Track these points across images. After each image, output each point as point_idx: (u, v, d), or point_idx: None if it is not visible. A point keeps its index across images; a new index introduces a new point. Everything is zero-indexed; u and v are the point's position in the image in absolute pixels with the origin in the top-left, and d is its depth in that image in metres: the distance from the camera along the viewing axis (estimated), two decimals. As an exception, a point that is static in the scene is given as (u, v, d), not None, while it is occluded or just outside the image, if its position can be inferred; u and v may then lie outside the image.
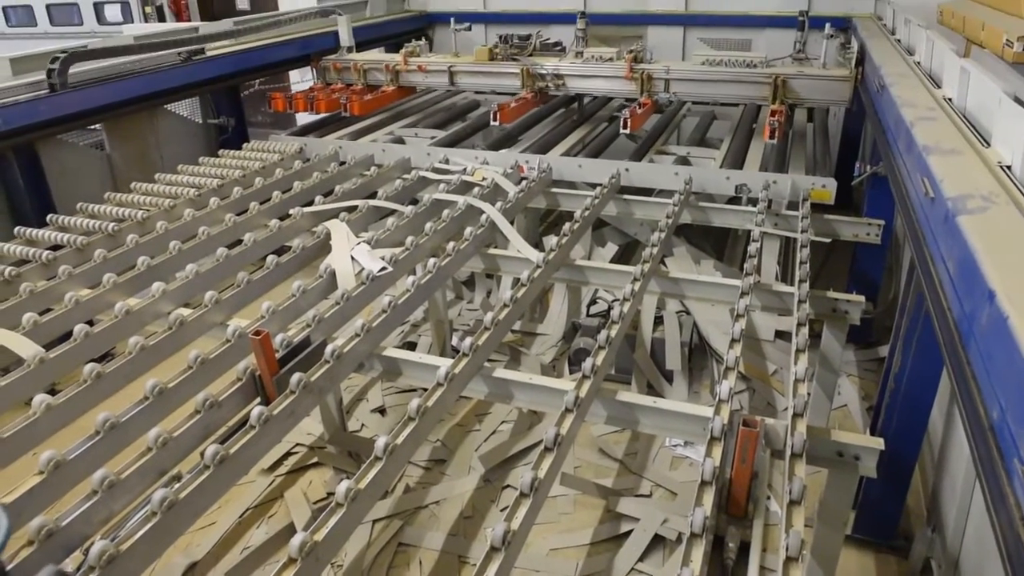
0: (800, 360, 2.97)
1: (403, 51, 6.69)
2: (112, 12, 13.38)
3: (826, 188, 4.91)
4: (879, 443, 2.76)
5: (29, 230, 4.21)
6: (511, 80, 6.24)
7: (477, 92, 7.53)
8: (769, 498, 3.65)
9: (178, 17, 12.86)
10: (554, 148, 5.86)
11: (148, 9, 12.97)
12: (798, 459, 2.45)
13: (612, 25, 8.32)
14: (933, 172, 2.33)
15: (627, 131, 5.47)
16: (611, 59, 6.08)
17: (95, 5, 13.47)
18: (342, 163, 5.61)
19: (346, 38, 7.18)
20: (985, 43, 3.57)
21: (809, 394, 2.81)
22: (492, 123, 5.79)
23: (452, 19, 7.19)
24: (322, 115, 6.73)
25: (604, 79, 6.03)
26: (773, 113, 5.37)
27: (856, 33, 6.44)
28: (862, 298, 3.91)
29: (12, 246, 4.01)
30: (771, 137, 5.15)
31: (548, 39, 6.65)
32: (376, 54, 7.36)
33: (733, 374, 2.91)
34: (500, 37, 6.37)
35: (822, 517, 3.05)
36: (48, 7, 13.92)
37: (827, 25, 5.65)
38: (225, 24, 6.79)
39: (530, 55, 6.41)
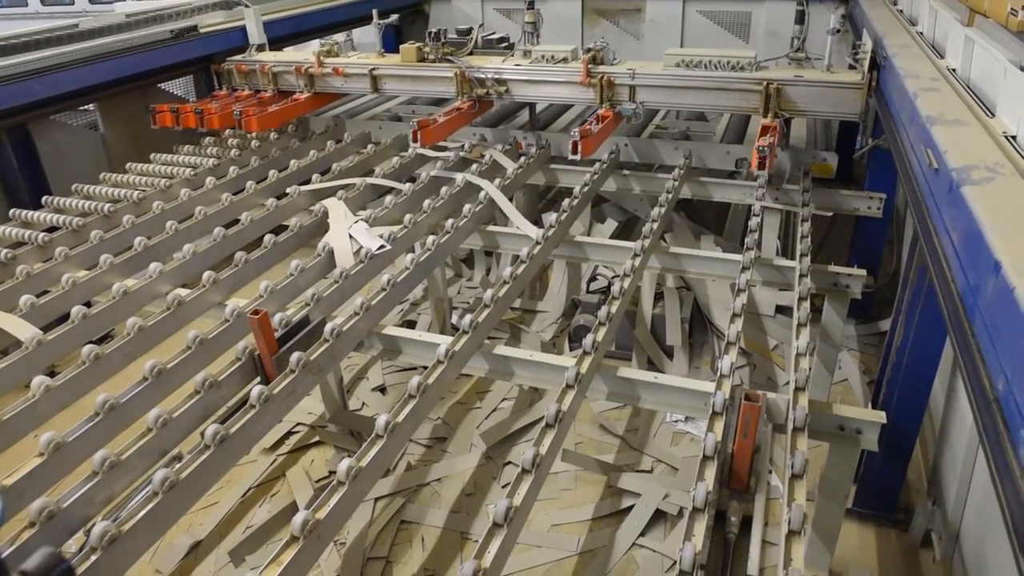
0: (801, 334, 2.96)
1: (317, 50, 5.65)
2: (104, -9, 13.23)
3: (827, 162, 4.88)
4: (881, 416, 2.76)
5: (24, 212, 4.19)
6: (444, 86, 5.24)
7: (407, 103, 6.58)
8: (771, 472, 3.67)
9: (171, -5, 12.70)
10: (552, 124, 5.80)
11: (139, -13, 12.81)
12: (800, 433, 2.45)
13: (610, -2, 8.20)
14: (937, 143, 2.30)
15: (577, 157, 4.33)
16: (565, 59, 5.03)
17: (86, -16, 13.31)
18: (339, 141, 5.56)
19: (255, 34, 6.02)
20: (989, 12, 3.51)
21: (810, 368, 2.81)
22: (412, 144, 4.76)
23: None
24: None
25: (556, 85, 4.97)
26: (764, 131, 4.24)
27: (859, 5, 6.32)
28: (863, 272, 3.90)
29: (7, 228, 3.99)
30: (760, 167, 3.98)
31: (493, 33, 5.63)
32: (289, 53, 6.13)
33: (734, 349, 2.90)
34: (430, 34, 5.31)
35: (823, 491, 3.06)
36: (39, -13, 13.74)
37: (832, 17, 4.50)
38: (115, 17, 5.84)
39: (470, 54, 5.39)
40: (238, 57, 5.90)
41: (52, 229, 4.00)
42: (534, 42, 5.43)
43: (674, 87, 4.66)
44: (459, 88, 5.13)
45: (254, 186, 4.55)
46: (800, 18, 4.91)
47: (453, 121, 5.00)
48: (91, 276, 3.47)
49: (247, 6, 6.10)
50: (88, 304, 3.22)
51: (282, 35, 6.61)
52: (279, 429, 4.65)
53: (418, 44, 5.33)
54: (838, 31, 4.38)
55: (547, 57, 5.04)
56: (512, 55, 5.28)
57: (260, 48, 6.03)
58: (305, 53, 6.06)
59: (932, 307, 3.14)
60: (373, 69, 5.36)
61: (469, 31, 5.43)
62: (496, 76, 5.04)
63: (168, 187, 4.48)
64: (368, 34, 9.14)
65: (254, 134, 5.28)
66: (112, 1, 12.47)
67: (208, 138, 5.40)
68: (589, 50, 4.86)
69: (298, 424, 4.74)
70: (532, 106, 5.74)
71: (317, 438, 4.66)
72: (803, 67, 4.65)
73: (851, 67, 4.50)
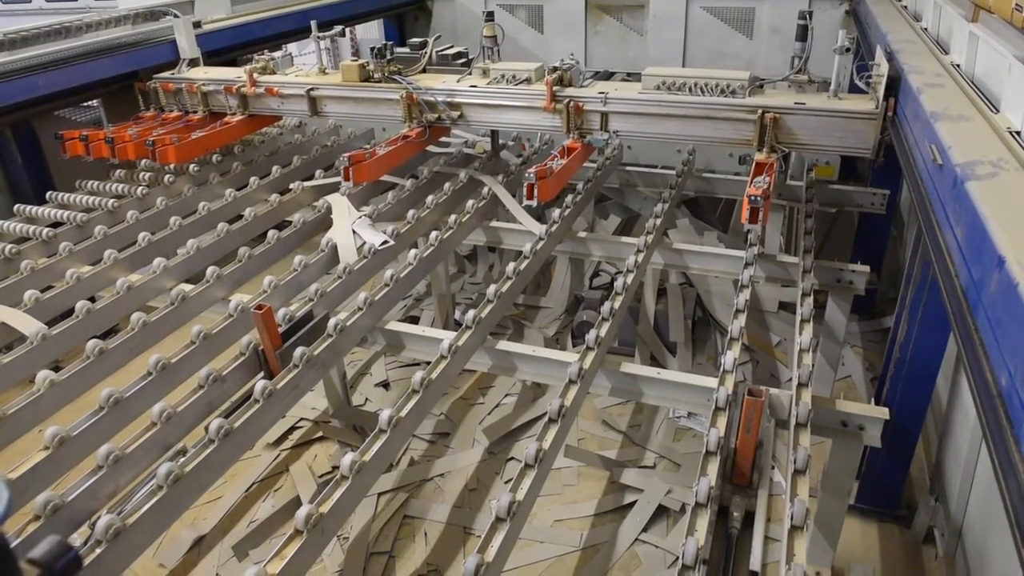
0: (804, 331, 2.96)
1: (249, 67, 4.89)
2: (107, -14, 13.24)
3: (829, 164, 4.84)
4: (884, 413, 2.76)
5: (29, 207, 4.20)
6: (390, 109, 4.49)
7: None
8: (773, 468, 3.67)
9: (174, -10, 12.70)
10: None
11: (143, -17, 12.81)
12: (803, 429, 2.46)
13: (613, -6, 8.17)
14: (941, 138, 2.29)
15: (532, 203, 3.74)
16: (528, 80, 4.28)
17: (90, -21, 13.32)
18: (342, 136, 5.55)
19: (186, 48, 5.27)
20: (994, 8, 3.50)
21: (813, 364, 2.81)
22: (343, 183, 4.07)
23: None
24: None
25: (516, 110, 4.26)
26: (759, 169, 3.58)
27: (862, 1, 6.29)
28: (867, 268, 3.90)
29: (12, 223, 4.00)
30: (752, 220, 3.29)
31: (450, 47, 4.86)
32: (220, 71, 5.25)
33: (737, 345, 2.90)
34: (372, 49, 4.56)
35: (826, 487, 3.06)
36: (43, -18, 13.76)
37: (840, 35, 3.69)
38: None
39: (422, 71, 4.67)
40: (165, 74, 5.21)
41: (56, 224, 4.00)
42: (495, 59, 4.62)
43: (653, 114, 3.98)
44: (407, 112, 4.40)
45: (257, 181, 4.56)
46: (803, 34, 4.00)
47: (397, 152, 4.25)
48: (95, 271, 3.48)
49: (176, 16, 5.42)
50: (92, 299, 3.23)
51: (256, 38, 6.16)
52: (282, 424, 4.67)
53: (361, 61, 4.61)
54: (847, 50, 3.69)
55: (507, 77, 4.32)
56: (469, 74, 4.59)
57: (193, 63, 5.29)
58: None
59: (935, 303, 3.14)
60: (311, 89, 4.65)
61: (423, 45, 4.71)
62: (448, 99, 4.33)
63: (172, 182, 4.48)
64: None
65: (171, 166, 4.57)
66: (115, -3, 12.50)
67: (119, 171, 4.69)
68: (555, 69, 4.18)
69: (301, 419, 4.75)
70: (495, 137, 5.12)
71: (320, 433, 4.67)
72: (805, 91, 3.96)
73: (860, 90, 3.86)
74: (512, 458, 4.44)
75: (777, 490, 2.87)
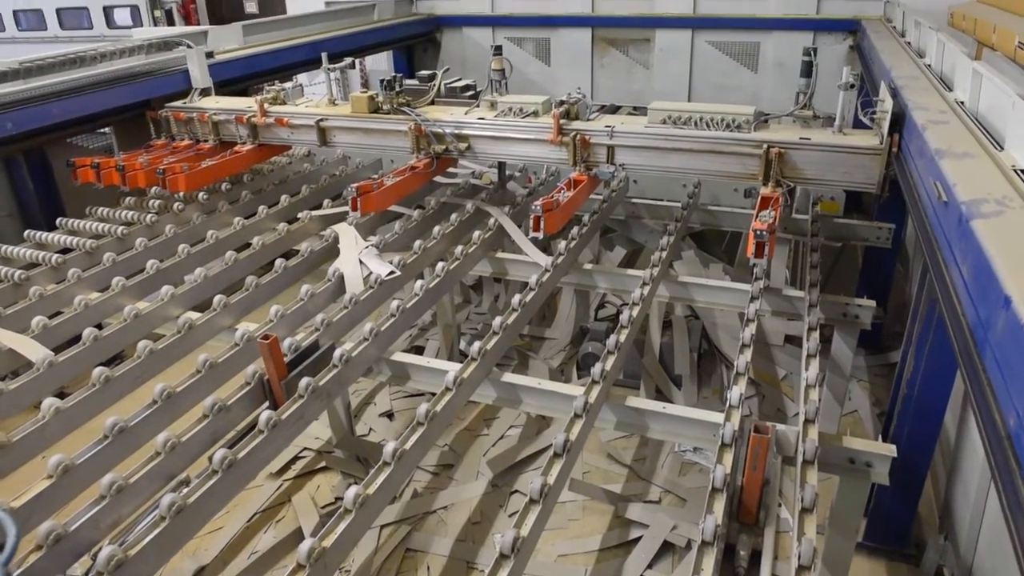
0: (811, 365, 2.95)
1: (260, 97, 4.98)
2: (122, 16, 13.49)
3: (835, 200, 4.85)
4: (891, 450, 2.74)
5: (39, 233, 4.23)
6: (398, 140, 4.55)
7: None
8: (780, 505, 3.63)
9: (187, 21, 12.95)
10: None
11: (157, 13, 13.07)
12: (810, 466, 2.44)
13: (620, 28, 8.31)
14: (946, 176, 2.31)
15: (539, 235, 3.76)
16: (534, 113, 4.33)
17: (105, 9, 13.58)
18: (350, 166, 5.60)
19: (198, 78, 5.40)
20: (997, 45, 3.55)
21: (820, 400, 2.79)
22: (351, 213, 4.07)
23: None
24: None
25: (523, 142, 4.29)
26: (764, 203, 3.57)
27: (866, 37, 6.37)
28: (873, 303, 3.89)
29: (22, 249, 4.03)
30: (758, 255, 3.26)
31: (458, 80, 4.91)
32: (231, 100, 5.33)
33: (743, 380, 2.89)
34: (382, 82, 4.57)
35: (833, 524, 3.03)
36: (58, 11, 14.04)
37: (844, 71, 3.73)
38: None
39: (431, 103, 4.70)
40: (177, 103, 5.30)
41: (66, 251, 4.03)
42: (502, 92, 4.68)
43: (659, 148, 4.00)
44: (415, 144, 4.46)
45: (266, 210, 4.59)
46: (807, 70, 4.07)
47: (405, 183, 4.28)
48: (103, 298, 3.50)
49: (189, 46, 5.52)
50: (99, 326, 3.24)
51: (267, 68, 6.37)
52: (286, 454, 4.65)
53: (371, 92, 4.68)
54: (852, 86, 3.71)
55: (514, 110, 4.37)
56: (477, 106, 4.60)
57: (204, 93, 5.39)
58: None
59: (942, 339, 3.13)
60: (320, 120, 4.72)
61: (432, 77, 4.76)
62: (456, 131, 4.37)
63: (181, 210, 4.52)
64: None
65: (181, 194, 4.61)
66: (129, 27, 12.74)
67: (129, 198, 4.75)
68: (562, 103, 4.21)
69: (304, 449, 4.73)
70: (502, 169, 5.17)
71: (324, 463, 4.65)
72: (810, 127, 3.99)
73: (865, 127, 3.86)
74: (516, 491, 4.40)
75: (784, 527, 2.84)
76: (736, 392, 2.74)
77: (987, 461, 1.65)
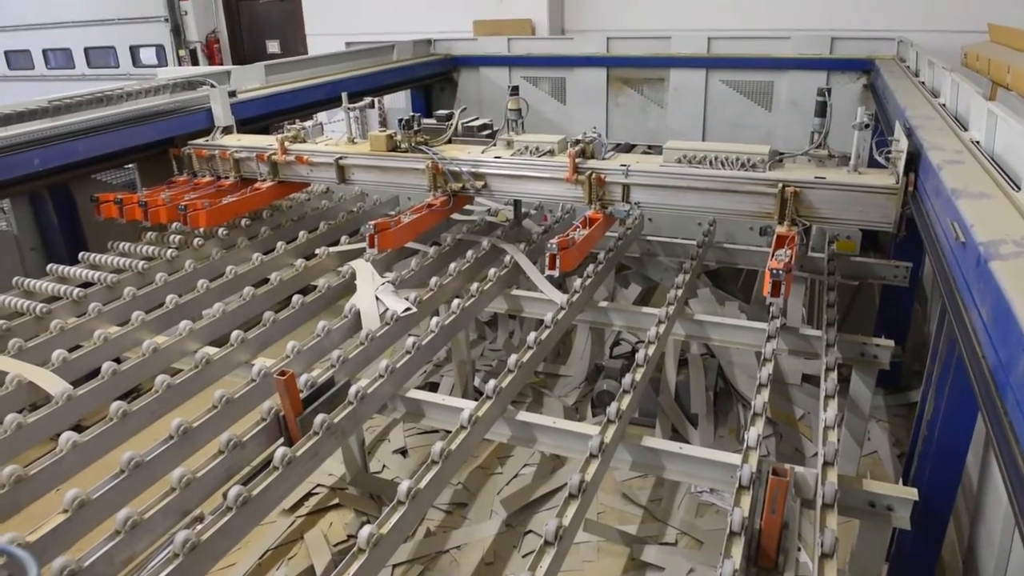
0: (829, 406, 2.92)
1: (281, 135, 5.08)
2: (147, 55, 13.87)
3: (851, 239, 4.83)
4: (913, 493, 2.69)
5: (61, 267, 4.30)
6: (416, 178, 4.63)
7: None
8: (799, 550, 3.56)
9: (211, 60, 13.26)
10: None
11: (182, 52, 13.41)
12: (829, 510, 2.40)
13: (634, 68, 8.41)
14: (963, 216, 2.30)
15: (555, 273, 3.80)
16: (551, 152, 4.40)
17: (131, 49, 13.96)
18: (368, 203, 5.67)
19: (221, 116, 5.52)
20: (1012, 85, 3.56)
21: (839, 441, 2.76)
22: (368, 249, 4.14)
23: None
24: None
25: (539, 181, 4.37)
26: (780, 242, 3.56)
27: (880, 76, 6.40)
28: (891, 342, 3.85)
29: (44, 283, 4.09)
30: (774, 294, 3.25)
31: (475, 119, 4.96)
32: (253, 138, 5.47)
33: (761, 420, 2.86)
34: (401, 121, 4.65)
35: (854, 570, 2.97)
36: (86, 50, 14.45)
37: (859, 111, 3.73)
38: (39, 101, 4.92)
39: (448, 142, 4.78)
40: (199, 141, 5.43)
41: (87, 284, 4.09)
42: (519, 131, 4.75)
43: (674, 187, 4.04)
44: (432, 182, 4.53)
45: (284, 246, 4.65)
46: (821, 110, 4.10)
47: (422, 220, 4.36)
48: (123, 332, 3.54)
49: (213, 86, 5.67)
50: (118, 360, 3.27)
51: (288, 107, 6.50)
52: (299, 490, 4.63)
53: (389, 131, 4.77)
54: (866, 126, 3.71)
55: (531, 149, 4.45)
56: (493, 145, 4.67)
57: (227, 130, 5.53)
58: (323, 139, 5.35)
59: (963, 380, 3.08)
60: (339, 158, 4.81)
61: (449, 116, 4.83)
62: (473, 170, 4.45)
63: (200, 245, 4.58)
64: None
65: (201, 230, 4.69)
66: (155, 65, 13.06)
67: (150, 234, 4.80)
68: (578, 142, 4.26)
69: (318, 485, 4.71)
70: (517, 206, 5.26)
71: (336, 500, 4.62)
72: (825, 166, 4.01)
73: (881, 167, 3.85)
74: (530, 531, 4.35)
75: (804, 571, 2.79)
76: (754, 433, 2.72)
77: (1010, 506, 1.62)
